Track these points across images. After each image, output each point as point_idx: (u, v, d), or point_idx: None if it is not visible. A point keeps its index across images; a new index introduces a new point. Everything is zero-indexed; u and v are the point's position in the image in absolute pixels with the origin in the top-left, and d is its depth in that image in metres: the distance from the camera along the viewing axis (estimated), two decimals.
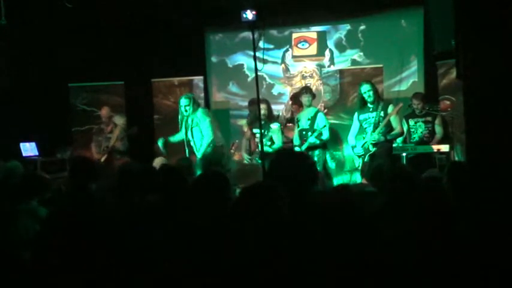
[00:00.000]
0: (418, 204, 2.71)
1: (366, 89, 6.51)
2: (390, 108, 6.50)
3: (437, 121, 7.15)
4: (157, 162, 7.39)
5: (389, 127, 6.49)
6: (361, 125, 6.63)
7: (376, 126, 6.42)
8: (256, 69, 5.55)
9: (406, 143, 7.05)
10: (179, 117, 6.66)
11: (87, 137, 8.22)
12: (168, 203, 3.26)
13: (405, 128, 7.09)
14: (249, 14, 5.52)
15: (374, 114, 6.50)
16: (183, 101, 6.53)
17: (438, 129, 7.11)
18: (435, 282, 2.34)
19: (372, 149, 6.42)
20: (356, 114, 6.74)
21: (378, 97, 6.62)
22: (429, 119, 7.15)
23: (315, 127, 6.65)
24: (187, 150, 6.66)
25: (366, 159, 6.41)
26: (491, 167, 4.04)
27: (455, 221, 2.72)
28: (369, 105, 6.56)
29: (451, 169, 3.69)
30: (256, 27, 5.60)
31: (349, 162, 7.15)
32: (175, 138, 6.74)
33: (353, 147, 6.69)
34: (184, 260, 2.43)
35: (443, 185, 3.54)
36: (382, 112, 6.45)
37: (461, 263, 2.39)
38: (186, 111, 6.51)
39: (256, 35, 5.70)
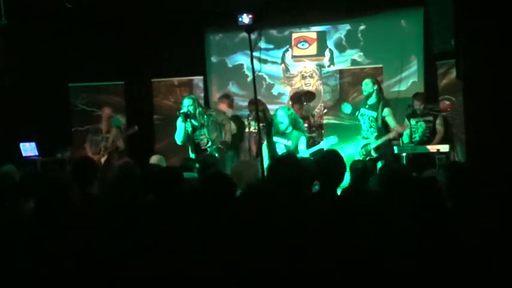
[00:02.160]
0: (415, 205, 2.71)
1: (371, 90, 6.51)
2: (386, 111, 6.48)
3: (438, 120, 7.15)
4: (154, 160, 7.36)
5: (385, 127, 6.50)
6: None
7: (378, 129, 6.41)
8: (253, 71, 5.48)
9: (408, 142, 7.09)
10: (180, 118, 6.46)
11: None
12: (167, 203, 3.26)
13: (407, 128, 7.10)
14: (245, 18, 5.45)
15: (374, 113, 6.48)
16: (187, 101, 6.47)
17: (440, 129, 7.12)
18: (433, 282, 2.34)
19: (374, 155, 6.42)
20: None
21: (381, 96, 6.62)
22: (430, 118, 7.15)
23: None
24: (190, 150, 6.60)
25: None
26: (491, 167, 4.04)
27: (453, 222, 2.73)
28: (368, 101, 6.57)
29: (448, 169, 3.68)
30: (253, 30, 5.55)
31: (348, 162, 7.14)
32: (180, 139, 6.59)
33: (366, 140, 6.64)
34: (185, 259, 2.43)
35: (441, 185, 3.54)
36: (380, 113, 6.44)
37: (459, 263, 2.39)
38: (189, 111, 6.42)
39: (255, 35, 5.67)
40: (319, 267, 2.29)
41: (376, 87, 6.53)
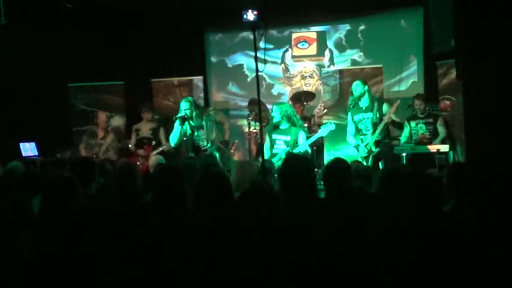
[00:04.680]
0: (414, 205, 2.71)
1: (362, 90, 6.51)
2: (385, 108, 6.51)
3: (439, 121, 7.15)
4: (153, 161, 7.35)
5: (388, 128, 6.52)
6: (356, 126, 6.64)
7: (375, 127, 6.43)
8: (257, 70, 5.49)
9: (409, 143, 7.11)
10: (177, 122, 6.43)
11: None
12: (167, 203, 3.26)
13: (407, 130, 7.11)
14: (250, 15, 5.45)
15: (370, 114, 6.49)
16: (183, 105, 6.47)
17: (441, 130, 7.12)
18: (434, 283, 2.34)
19: (375, 150, 6.43)
20: (350, 114, 6.76)
21: (373, 97, 6.64)
22: (430, 120, 7.16)
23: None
24: (190, 151, 6.60)
25: (370, 161, 6.41)
26: (491, 167, 4.04)
27: (454, 221, 2.73)
28: (360, 105, 6.58)
29: (451, 169, 3.69)
30: (257, 27, 5.54)
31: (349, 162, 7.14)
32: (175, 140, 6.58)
33: (357, 147, 6.67)
34: (185, 259, 2.43)
35: (443, 185, 3.55)
36: (377, 113, 6.46)
37: (459, 263, 2.40)
38: (186, 115, 6.41)
39: (256, 35, 5.64)
40: (317, 268, 2.30)
41: (366, 87, 6.56)
